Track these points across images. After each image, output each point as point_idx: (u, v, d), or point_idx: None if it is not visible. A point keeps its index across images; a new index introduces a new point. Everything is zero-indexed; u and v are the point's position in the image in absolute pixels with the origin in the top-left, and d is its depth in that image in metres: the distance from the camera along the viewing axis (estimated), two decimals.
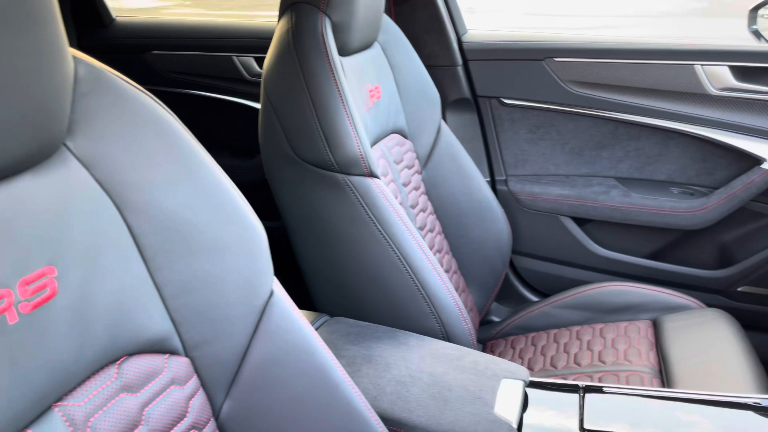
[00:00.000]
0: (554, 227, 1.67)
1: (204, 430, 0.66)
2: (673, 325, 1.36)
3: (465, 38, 1.68)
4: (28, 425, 0.51)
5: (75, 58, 0.59)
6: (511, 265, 1.74)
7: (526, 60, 1.62)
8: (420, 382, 0.91)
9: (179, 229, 0.64)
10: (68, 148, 0.58)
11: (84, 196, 0.57)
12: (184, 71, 1.94)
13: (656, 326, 1.39)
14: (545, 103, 1.63)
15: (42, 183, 0.54)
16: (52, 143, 0.54)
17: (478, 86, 1.67)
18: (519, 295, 1.74)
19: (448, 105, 1.69)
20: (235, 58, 1.86)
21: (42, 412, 0.52)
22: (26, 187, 0.52)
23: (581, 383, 0.96)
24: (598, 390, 0.95)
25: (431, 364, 0.95)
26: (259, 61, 1.84)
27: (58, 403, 0.53)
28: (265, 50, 1.76)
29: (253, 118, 1.83)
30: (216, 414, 0.69)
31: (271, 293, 0.72)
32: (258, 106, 1.85)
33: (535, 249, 1.71)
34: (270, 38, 1.12)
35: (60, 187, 0.55)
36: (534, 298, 1.73)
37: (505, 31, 1.73)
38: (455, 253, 1.50)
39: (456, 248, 1.51)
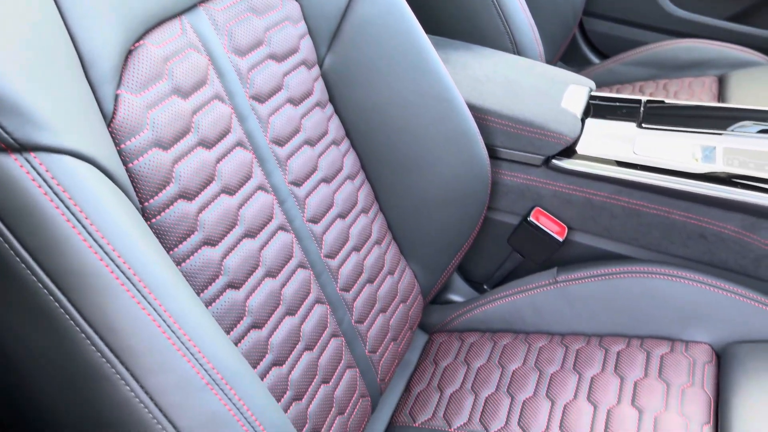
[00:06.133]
0: None
1: (311, 69, 0.76)
2: (738, 81, 1.38)
3: None
4: (181, 13, 0.60)
5: None
6: (581, 26, 1.73)
7: None
8: (494, 81, 0.98)
9: None
10: None
11: None
12: None
13: (721, 82, 1.41)
14: None
15: None
16: None
17: None
18: (583, 56, 1.75)
19: None
20: None
21: (190, 7, 0.61)
22: None
23: (644, 98, 1.03)
24: (660, 102, 1.01)
25: (505, 70, 1.02)
26: None
27: (203, 4, 0.63)
28: None
29: None
30: (320, 62, 0.78)
31: None
32: None
33: (608, 10, 1.68)
34: None
35: None
36: (597, 61, 1.75)
37: None
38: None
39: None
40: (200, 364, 0.45)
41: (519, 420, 0.80)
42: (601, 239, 0.94)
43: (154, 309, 0.43)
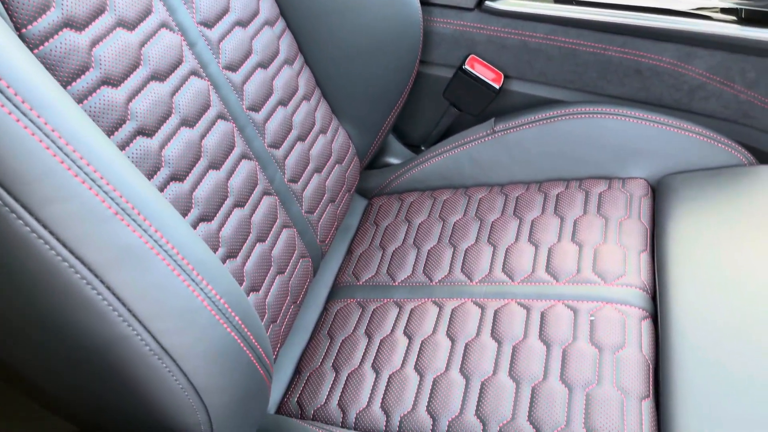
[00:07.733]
0: None
1: None
2: None
3: None
4: None
5: None
6: None
7: None
8: None
9: None
10: None
11: None
12: None
13: None
14: None
15: None
16: None
17: None
18: None
19: None
20: None
21: None
22: None
23: None
24: None
25: None
26: None
27: None
28: None
29: None
30: None
31: None
32: None
33: None
34: None
35: None
36: None
37: None
38: None
39: None
40: (104, 192, 0.40)
41: (462, 267, 0.79)
42: (537, 85, 0.91)
43: (39, 127, 0.37)
